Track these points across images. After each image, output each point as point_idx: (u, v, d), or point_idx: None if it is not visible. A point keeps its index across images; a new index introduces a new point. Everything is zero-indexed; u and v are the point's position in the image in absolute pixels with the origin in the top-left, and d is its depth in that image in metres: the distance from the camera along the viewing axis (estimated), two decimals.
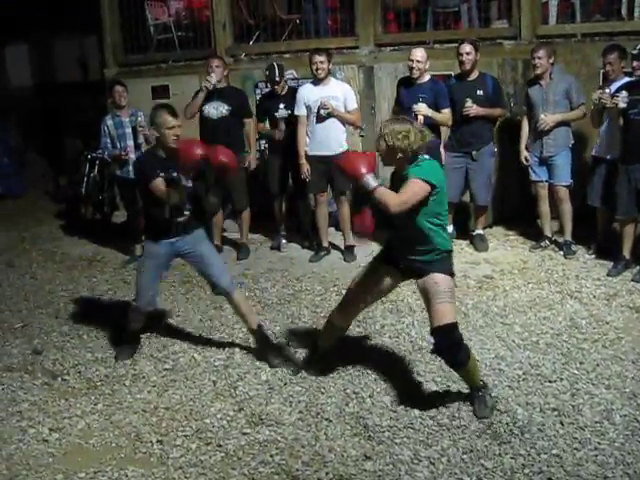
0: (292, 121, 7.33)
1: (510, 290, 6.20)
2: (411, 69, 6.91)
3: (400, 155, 4.13)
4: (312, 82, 7.21)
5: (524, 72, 7.69)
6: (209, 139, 7.27)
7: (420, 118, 6.52)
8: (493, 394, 4.40)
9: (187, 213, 5.03)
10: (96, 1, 9.75)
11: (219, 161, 4.89)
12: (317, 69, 7.02)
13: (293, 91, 7.48)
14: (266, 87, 8.43)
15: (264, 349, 5.15)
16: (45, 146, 12.65)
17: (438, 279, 4.20)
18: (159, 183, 4.84)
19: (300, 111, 7.16)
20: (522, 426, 4.08)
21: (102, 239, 8.55)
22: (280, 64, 7.48)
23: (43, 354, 5.51)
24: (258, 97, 8.56)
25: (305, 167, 7.15)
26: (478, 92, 7.00)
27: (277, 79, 7.34)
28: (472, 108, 6.89)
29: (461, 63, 7.01)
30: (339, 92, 7.10)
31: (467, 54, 6.93)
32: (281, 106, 7.40)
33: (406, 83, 7.09)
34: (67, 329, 5.98)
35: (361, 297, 4.67)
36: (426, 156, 4.21)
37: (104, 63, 10.08)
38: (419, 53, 6.91)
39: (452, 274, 4.31)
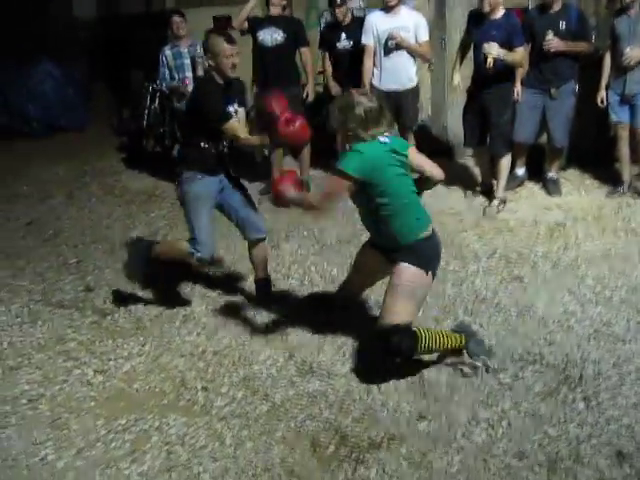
0: (355, 52, 6.96)
1: (583, 239, 5.80)
2: (482, 2, 6.36)
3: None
4: (382, 9, 6.79)
5: (607, 2, 7.12)
6: (262, 66, 7.04)
7: (489, 60, 6.05)
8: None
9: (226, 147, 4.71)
10: None
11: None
12: None
13: (357, 21, 7.10)
14: (331, 16, 8.05)
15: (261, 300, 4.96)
16: (110, 78, 12.52)
17: (402, 271, 3.81)
18: (235, 125, 4.47)
19: (368, 40, 6.78)
20: (590, 391, 3.77)
21: (162, 173, 8.39)
22: None
23: (95, 291, 5.42)
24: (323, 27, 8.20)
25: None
26: (561, 25, 6.43)
27: (339, 2, 6.94)
28: (553, 42, 6.35)
29: None
30: (410, 22, 6.68)
31: None
32: (343, 36, 7.04)
33: (477, 17, 6.51)
34: (121, 266, 5.84)
35: (356, 281, 4.47)
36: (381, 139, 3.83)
37: None
38: None
39: (426, 268, 3.84)
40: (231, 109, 4.54)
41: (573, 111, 6.72)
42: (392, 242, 3.88)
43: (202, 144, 4.59)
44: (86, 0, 13.42)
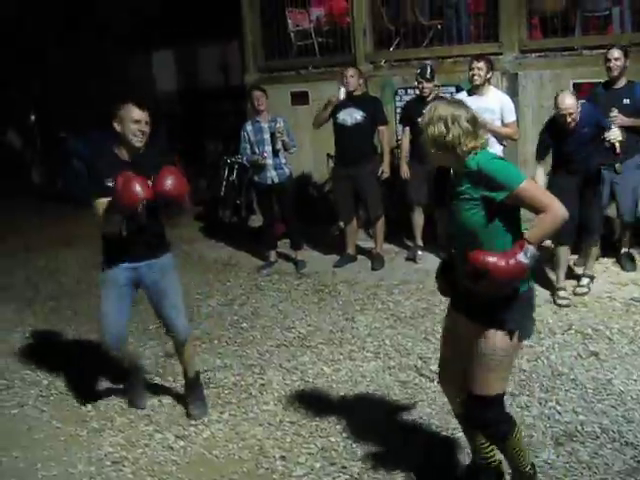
0: None
1: None
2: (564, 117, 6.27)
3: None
4: (468, 90, 6.99)
5: None
6: (342, 145, 7.29)
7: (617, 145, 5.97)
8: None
9: (155, 230, 4.33)
10: (238, 8, 9.88)
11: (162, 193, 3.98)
12: (474, 75, 6.78)
13: (440, 98, 7.30)
14: (405, 94, 8.28)
15: (190, 395, 4.71)
16: (187, 150, 12.97)
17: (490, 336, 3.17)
18: (104, 204, 4.05)
19: None
20: None
21: (238, 243, 8.65)
22: (432, 65, 7.29)
23: (174, 357, 5.56)
24: (398, 104, 8.42)
25: None
26: (624, 101, 6.50)
27: (428, 76, 7.13)
28: (617, 118, 6.41)
29: (608, 70, 6.56)
30: (495, 103, 6.81)
31: (615, 60, 6.47)
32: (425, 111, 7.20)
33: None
34: (199, 333, 6.03)
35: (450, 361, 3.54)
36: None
37: (245, 69, 10.20)
38: None
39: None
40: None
41: None
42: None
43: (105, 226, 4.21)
44: (168, 74, 14.04)
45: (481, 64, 6.75)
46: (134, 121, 4.12)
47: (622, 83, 6.58)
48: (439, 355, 3.62)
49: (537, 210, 3.05)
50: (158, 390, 5.01)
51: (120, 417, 4.71)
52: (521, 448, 3.42)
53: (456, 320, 3.37)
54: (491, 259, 2.98)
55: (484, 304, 3.14)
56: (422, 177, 7.18)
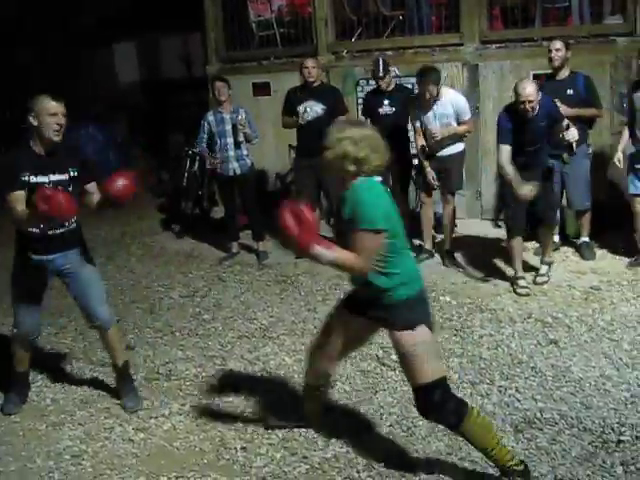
0: (396, 117, 7.21)
1: (618, 303, 5.81)
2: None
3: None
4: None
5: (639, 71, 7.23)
6: (304, 137, 7.27)
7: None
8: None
9: (71, 225, 4.34)
10: None
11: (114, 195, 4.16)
12: (426, 92, 6.70)
13: (399, 88, 7.34)
14: (367, 84, 8.28)
15: (122, 388, 4.70)
16: (149, 142, 12.87)
17: (399, 338, 3.45)
18: (17, 197, 4.06)
19: (416, 124, 7.01)
20: (628, 456, 3.76)
21: (200, 235, 8.60)
22: (385, 59, 7.30)
23: (135, 350, 5.53)
24: (360, 95, 8.43)
25: (431, 174, 6.92)
26: (568, 91, 6.59)
27: (381, 74, 7.15)
28: (560, 108, 6.47)
29: (550, 60, 6.64)
30: (449, 106, 6.78)
31: (557, 51, 6.56)
32: (385, 102, 7.23)
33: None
34: (160, 325, 6.00)
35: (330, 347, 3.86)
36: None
37: (207, 60, 10.12)
38: None
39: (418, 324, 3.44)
40: (37, 179, 4.12)
41: (589, 173, 6.80)
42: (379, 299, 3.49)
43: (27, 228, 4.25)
44: (129, 65, 13.90)
45: (430, 86, 6.65)
46: (50, 114, 4.08)
47: (565, 74, 6.70)
48: (321, 341, 3.90)
49: (355, 251, 3.31)
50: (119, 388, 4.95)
51: (80, 410, 4.66)
52: (485, 433, 3.51)
53: (350, 321, 3.70)
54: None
55: (388, 311, 3.46)
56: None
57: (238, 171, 7.42)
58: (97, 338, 5.60)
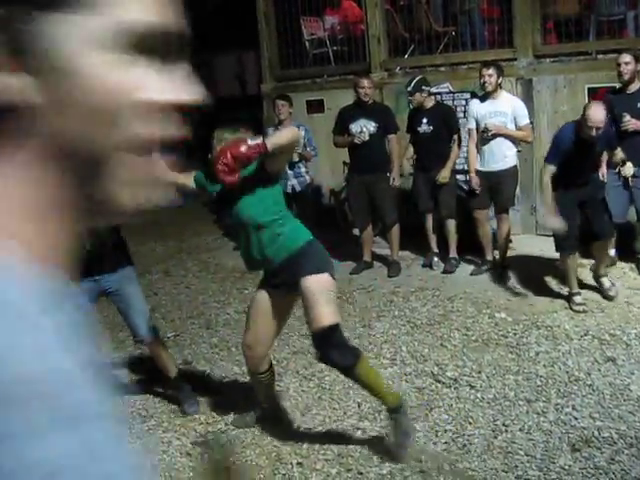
0: (434, 137, 7.21)
1: None
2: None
3: None
4: (481, 96, 7.06)
5: None
6: (356, 155, 7.35)
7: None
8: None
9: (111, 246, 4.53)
10: (254, 18, 9.96)
11: None
12: (484, 82, 6.83)
13: (440, 106, 7.34)
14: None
15: (180, 395, 4.92)
16: (205, 159, 13.04)
17: (310, 281, 3.93)
18: None
19: (470, 124, 7.03)
20: None
21: None
22: (421, 77, 7.29)
23: (192, 365, 5.63)
24: None
25: (475, 180, 6.96)
26: (639, 105, 6.54)
27: (409, 89, 7.18)
28: (630, 122, 6.41)
29: (619, 75, 6.56)
30: (508, 107, 6.84)
31: (626, 64, 6.47)
32: (424, 120, 7.24)
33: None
34: (216, 341, 6.09)
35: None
36: None
37: (261, 78, 10.27)
38: None
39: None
40: None
41: None
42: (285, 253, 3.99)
43: None
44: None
45: (490, 71, 6.79)
46: None
47: (635, 87, 6.57)
48: (251, 331, 4.31)
49: None
50: (177, 397, 5.05)
51: (137, 424, 4.76)
52: (376, 377, 4.06)
53: (272, 294, 4.15)
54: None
55: (300, 264, 3.95)
56: (428, 185, 7.30)
57: (297, 188, 7.53)
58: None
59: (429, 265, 7.53)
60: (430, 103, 7.31)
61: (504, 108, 6.82)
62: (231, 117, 12.48)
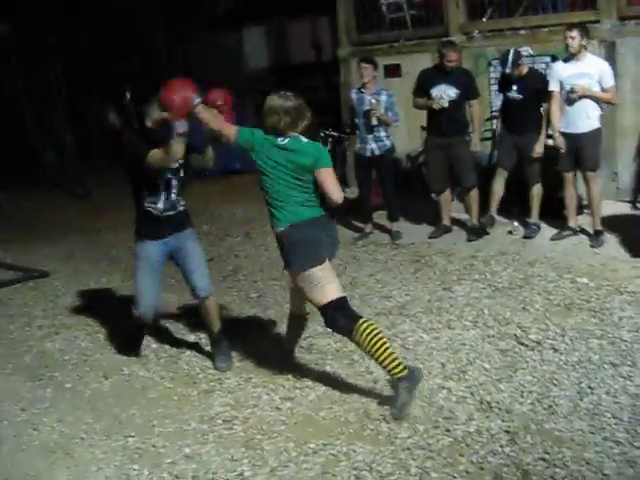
0: (523, 103, 7.13)
1: None
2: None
3: None
4: (565, 58, 6.93)
5: None
6: (436, 119, 7.33)
7: None
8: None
9: (181, 208, 4.97)
10: None
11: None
12: (568, 45, 6.72)
13: (532, 75, 7.23)
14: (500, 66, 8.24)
15: (216, 350, 5.19)
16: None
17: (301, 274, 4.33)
18: (155, 152, 4.61)
19: (553, 86, 6.90)
20: None
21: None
22: (514, 51, 7.12)
23: (277, 325, 5.77)
24: (492, 75, 8.40)
25: (560, 140, 6.85)
26: None
27: (508, 70, 7.07)
28: None
29: None
30: (593, 69, 6.73)
31: None
32: (514, 87, 7.15)
33: None
34: None
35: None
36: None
37: (337, 43, 10.27)
38: None
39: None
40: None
41: None
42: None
43: (143, 207, 4.90)
44: (259, 50, 14.23)
45: (574, 33, 6.67)
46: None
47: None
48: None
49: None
50: (263, 356, 5.19)
51: (228, 379, 4.93)
52: (370, 344, 4.20)
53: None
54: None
55: (288, 252, 4.43)
56: (510, 145, 7.27)
57: (377, 152, 7.53)
58: (240, 312, 6.02)
59: (486, 226, 7.45)
60: (524, 70, 7.21)
61: (589, 69, 6.72)
62: (307, 84, 12.61)
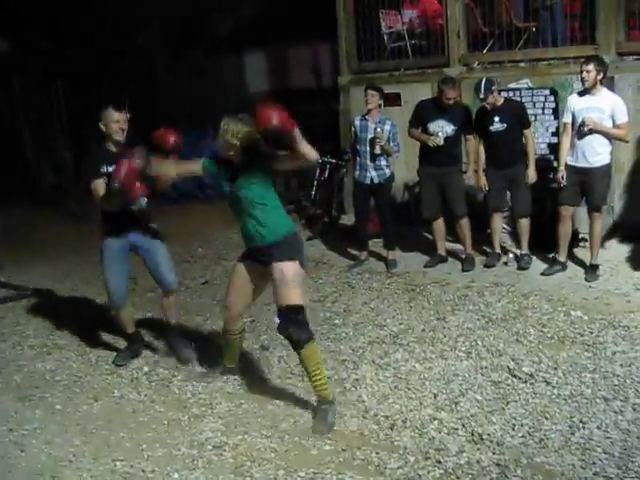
0: (507, 133, 7.20)
1: None
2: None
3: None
4: (580, 92, 6.96)
5: None
6: (428, 150, 7.35)
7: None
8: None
9: (142, 205, 5.21)
10: (331, 10, 10.01)
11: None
12: (583, 79, 6.76)
13: (511, 104, 7.30)
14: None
15: (177, 343, 5.70)
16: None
17: (287, 267, 4.52)
18: (99, 184, 5.12)
19: (566, 118, 6.95)
20: None
21: (329, 242, 8.79)
22: (486, 79, 7.19)
23: (269, 350, 5.75)
24: None
25: (561, 174, 6.87)
26: None
27: (481, 96, 7.13)
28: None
29: None
30: (606, 104, 6.74)
31: None
32: (496, 119, 7.20)
33: None
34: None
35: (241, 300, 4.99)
36: None
37: (338, 70, 10.32)
38: None
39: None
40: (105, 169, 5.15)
41: None
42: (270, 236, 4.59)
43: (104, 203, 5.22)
44: (259, 75, 14.31)
45: (590, 66, 6.69)
46: (114, 121, 5.22)
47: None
48: (230, 294, 4.97)
49: None
50: (253, 382, 5.18)
51: (219, 404, 4.90)
52: (320, 362, 4.55)
53: (250, 266, 4.77)
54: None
55: (279, 250, 4.54)
56: (500, 184, 7.31)
57: (376, 180, 7.54)
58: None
59: (492, 265, 7.45)
60: (500, 101, 7.27)
61: (602, 104, 6.74)
62: (307, 109, 12.64)
